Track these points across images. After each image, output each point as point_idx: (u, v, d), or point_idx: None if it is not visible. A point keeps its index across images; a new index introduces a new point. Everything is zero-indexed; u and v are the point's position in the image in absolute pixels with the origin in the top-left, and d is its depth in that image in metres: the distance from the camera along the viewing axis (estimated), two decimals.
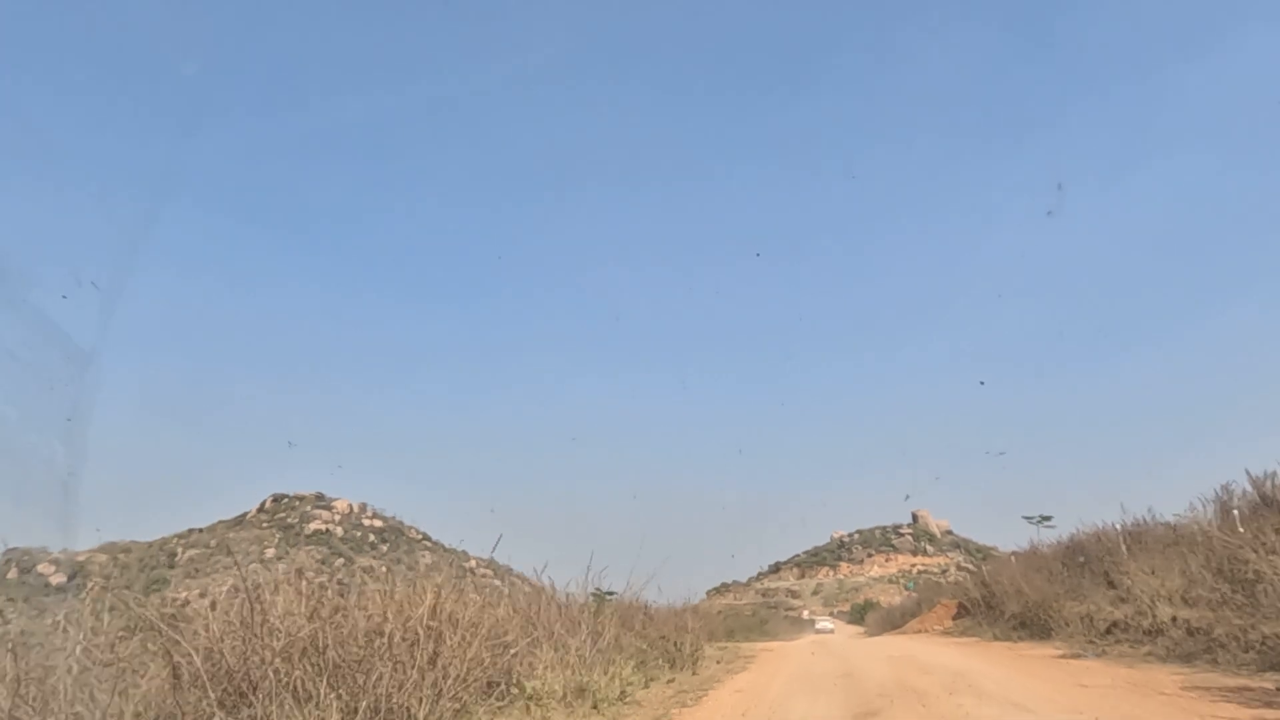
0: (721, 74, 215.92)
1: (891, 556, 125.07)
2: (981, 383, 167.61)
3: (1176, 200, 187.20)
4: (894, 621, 39.58)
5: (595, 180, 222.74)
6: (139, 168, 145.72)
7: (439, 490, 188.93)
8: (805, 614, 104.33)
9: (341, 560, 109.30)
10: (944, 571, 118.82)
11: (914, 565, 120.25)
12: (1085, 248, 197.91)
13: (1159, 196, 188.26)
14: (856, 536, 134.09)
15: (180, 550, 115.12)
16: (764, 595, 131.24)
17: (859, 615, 78.24)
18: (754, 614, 79.81)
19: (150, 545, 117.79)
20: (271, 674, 6.68)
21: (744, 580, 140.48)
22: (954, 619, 28.84)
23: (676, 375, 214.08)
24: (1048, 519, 25.85)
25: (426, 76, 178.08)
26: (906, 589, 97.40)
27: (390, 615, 8.07)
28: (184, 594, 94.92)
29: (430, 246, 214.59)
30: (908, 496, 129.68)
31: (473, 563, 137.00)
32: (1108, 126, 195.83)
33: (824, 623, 75.60)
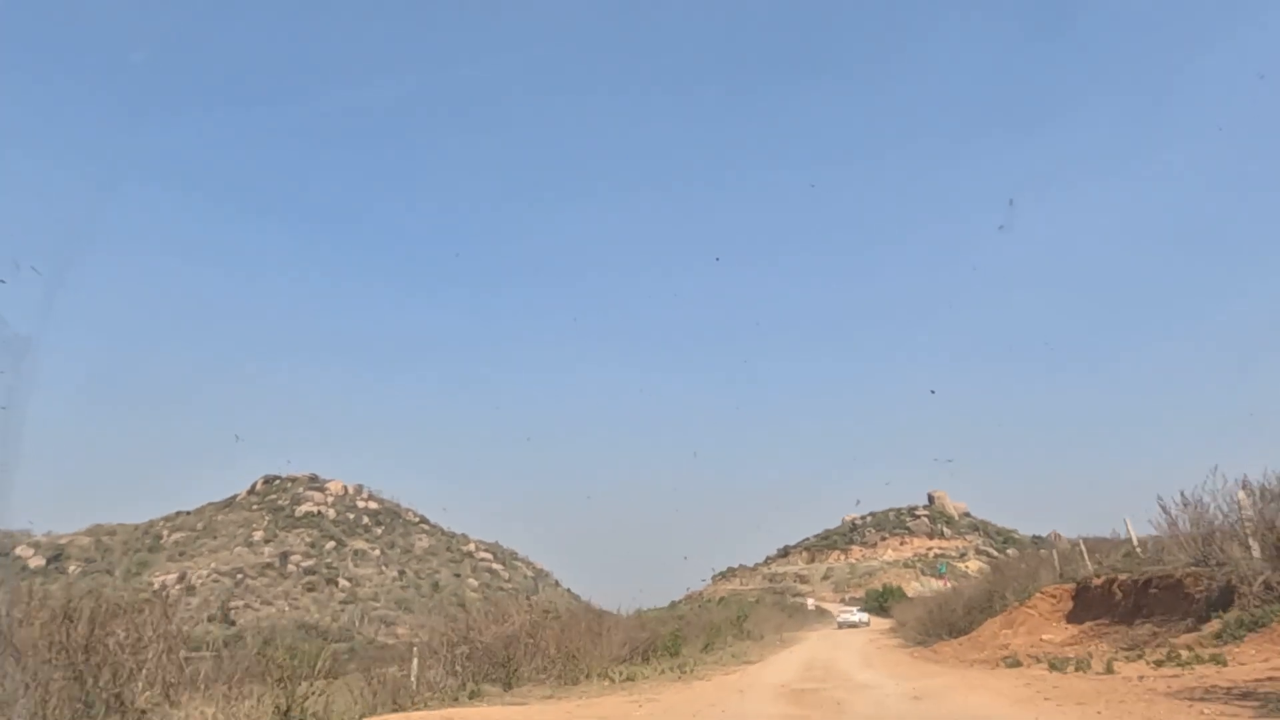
0: (711, 78, 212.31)
1: (906, 539, 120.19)
2: (932, 391, 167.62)
3: (1190, 189, 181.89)
4: (954, 621, 25.02)
5: (585, 182, 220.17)
6: (102, 153, 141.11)
7: (440, 476, 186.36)
8: (811, 603, 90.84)
9: (333, 543, 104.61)
10: (963, 555, 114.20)
11: (930, 548, 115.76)
12: (1092, 239, 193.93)
13: (1173, 186, 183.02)
14: (869, 519, 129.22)
15: (166, 533, 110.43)
16: (771, 580, 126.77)
17: (876, 603, 67.32)
18: (758, 601, 70.08)
19: (137, 528, 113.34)
20: None
21: (751, 565, 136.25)
22: (1070, 619, 17.62)
23: (679, 370, 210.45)
24: None
25: (413, 73, 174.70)
26: (939, 573, 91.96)
27: None
28: (161, 578, 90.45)
29: (420, 240, 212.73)
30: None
31: (472, 546, 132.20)
32: (1116, 118, 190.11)
33: (849, 614, 56.10)
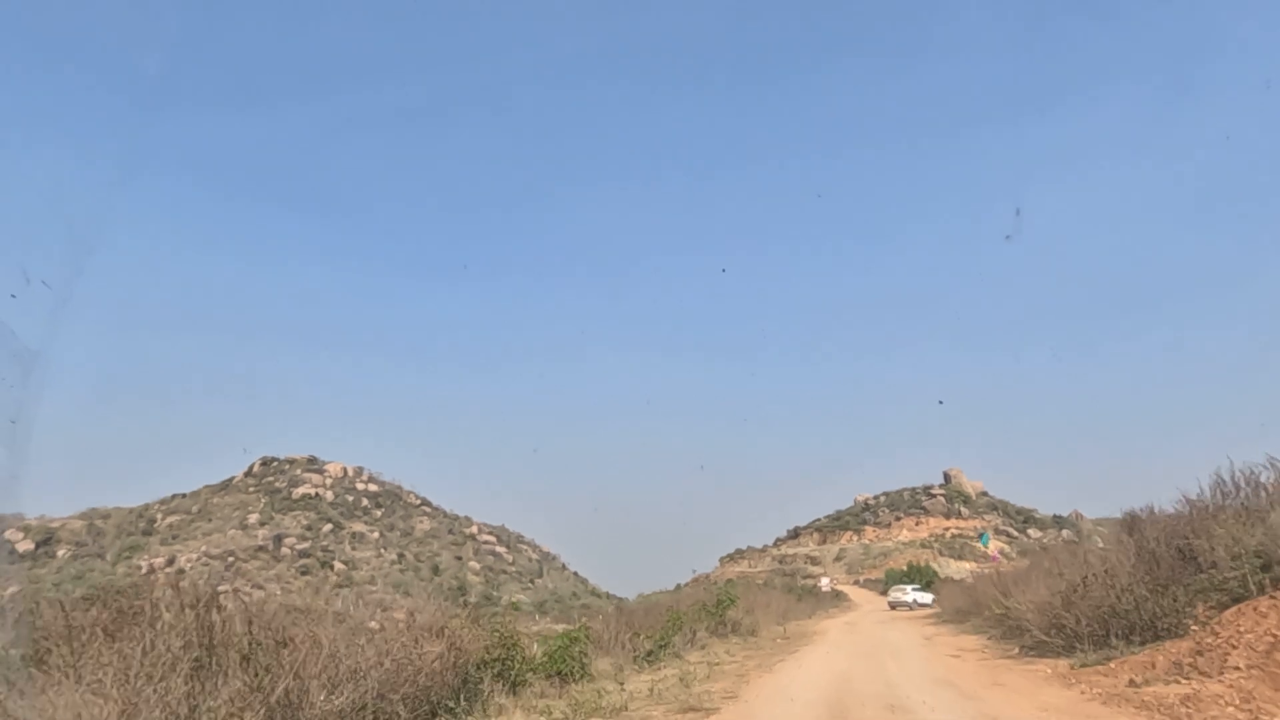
0: (706, 75, 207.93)
1: (922, 519, 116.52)
2: (940, 402, 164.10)
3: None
4: (1123, 610, 12.90)
5: (592, 177, 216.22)
6: (115, 149, 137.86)
7: (448, 463, 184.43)
8: (825, 583, 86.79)
9: (330, 526, 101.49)
10: (981, 535, 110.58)
11: (947, 528, 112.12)
12: (1106, 221, 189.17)
13: (1189, 166, 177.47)
14: (883, 499, 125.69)
15: (160, 516, 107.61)
16: (781, 562, 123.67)
17: (899, 583, 61.97)
18: (766, 584, 64.03)
19: (131, 511, 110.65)
20: None
21: (760, 547, 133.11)
22: None
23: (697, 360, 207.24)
24: None
25: (424, 67, 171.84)
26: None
27: None
28: (149, 561, 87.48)
29: (428, 233, 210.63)
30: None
31: (474, 528, 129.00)
32: (1127, 101, 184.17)
33: (902, 592, 45.98)
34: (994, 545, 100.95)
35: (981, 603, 23.45)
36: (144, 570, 75.70)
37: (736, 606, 24.20)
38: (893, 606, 43.94)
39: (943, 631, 23.99)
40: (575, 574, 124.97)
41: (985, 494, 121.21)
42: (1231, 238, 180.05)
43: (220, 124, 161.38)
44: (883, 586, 72.22)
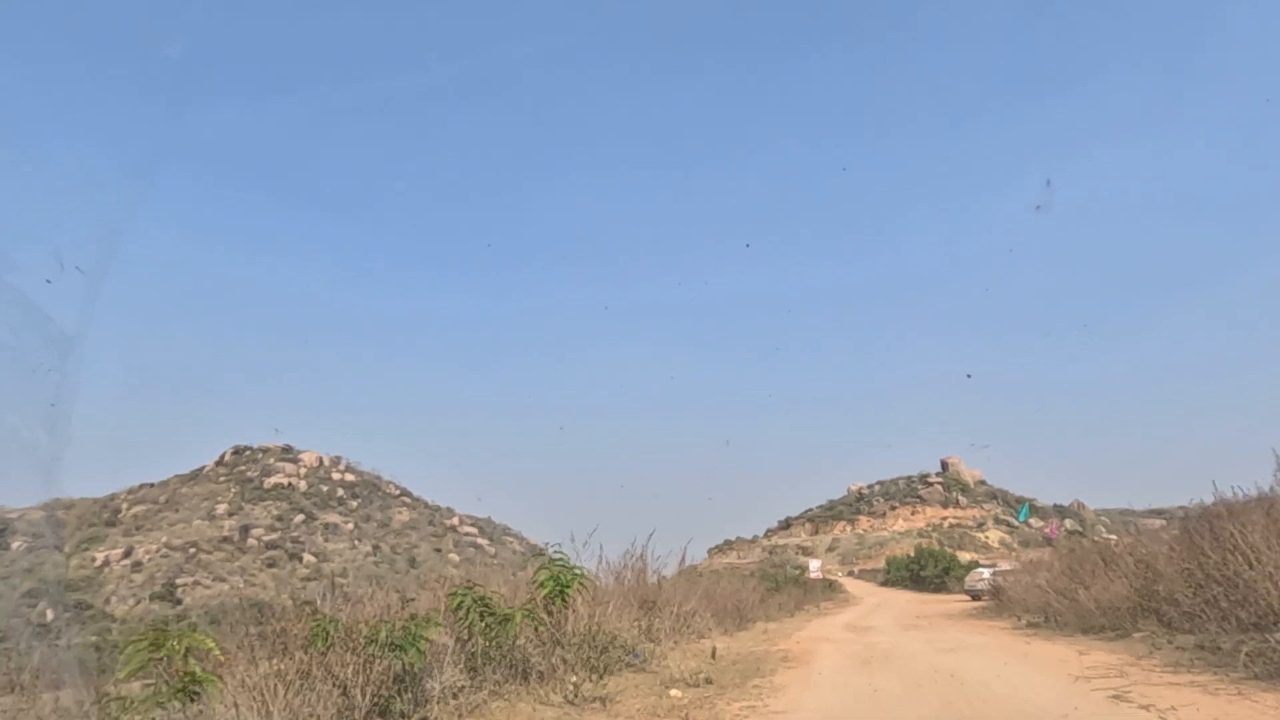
0: (720, 54, 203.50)
1: (918, 509, 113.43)
2: (969, 375, 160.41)
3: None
4: None
5: (589, 166, 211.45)
6: (126, 149, 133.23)
7: (434, 452, 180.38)
8: (815, 567, 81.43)
9: (302, 516, 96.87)
10: (980, 525, 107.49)
11: (945, 518, 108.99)
12: (1108, 209, 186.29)
13: (1197, 153, 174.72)
14: (877, 488, 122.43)
15: (126, 506, 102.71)
16: (770, 553, 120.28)
17: (906, 572, 55.58)
18: (756, 573, 58.34)
19: (95, 501, 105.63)
20: None
21: (750, 537, 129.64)
22: None
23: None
24: None
25: (435, 58, 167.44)
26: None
27: None
28: (103, 554, 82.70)
29: (429, 226, 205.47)
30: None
31: (455, 520, 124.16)
32: (1140, 82, 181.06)
33: (978, 579, 37.94)
34: (995, 535, 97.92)
35: (1148, 594, 12.51)
36: (98, 563, 71.10)
37: (573, 601, 10.42)
38: (974, 597, 35.92)
39: (1105, 659, 10.35)
40: None
41: (983, 482, 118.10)
42: (1232, 230, 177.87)
43: (214, 118, 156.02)
44: (881, 577, 67.81)
